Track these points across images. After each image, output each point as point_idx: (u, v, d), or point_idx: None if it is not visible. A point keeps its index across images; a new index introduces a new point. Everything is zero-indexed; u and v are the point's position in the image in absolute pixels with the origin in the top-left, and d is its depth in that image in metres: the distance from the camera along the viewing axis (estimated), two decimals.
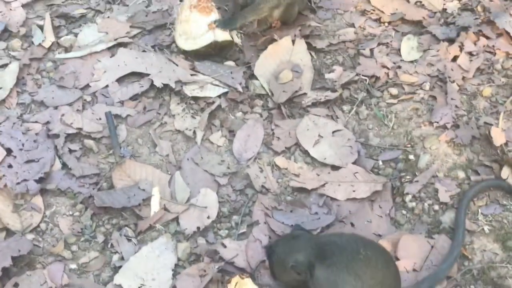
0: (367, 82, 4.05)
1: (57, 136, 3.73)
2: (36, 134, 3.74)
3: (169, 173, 3.64)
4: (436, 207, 3.51)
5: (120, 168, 3.60)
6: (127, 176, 3.59)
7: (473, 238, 3.38)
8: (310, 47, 4.23)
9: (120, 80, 4.03)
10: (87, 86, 4.02)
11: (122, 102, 3.94)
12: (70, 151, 3.69)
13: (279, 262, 3.01)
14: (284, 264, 2.94)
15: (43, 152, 3.64)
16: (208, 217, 3.44)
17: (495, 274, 3.26)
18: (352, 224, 3.41)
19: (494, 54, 4.20)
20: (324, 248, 2.94)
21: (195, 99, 3.94)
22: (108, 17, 4.46)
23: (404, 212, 3.50)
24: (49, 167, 3.57)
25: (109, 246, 3.36)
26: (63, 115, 3.82)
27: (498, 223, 3.44)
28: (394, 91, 4.01)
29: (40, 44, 4.24)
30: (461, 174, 3.63)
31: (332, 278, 2.87)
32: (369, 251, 2.91)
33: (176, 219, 3.45)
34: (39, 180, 3.52)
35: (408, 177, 3.62)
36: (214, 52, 4.13)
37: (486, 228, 3.42)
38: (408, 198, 3.53)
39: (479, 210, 3.48)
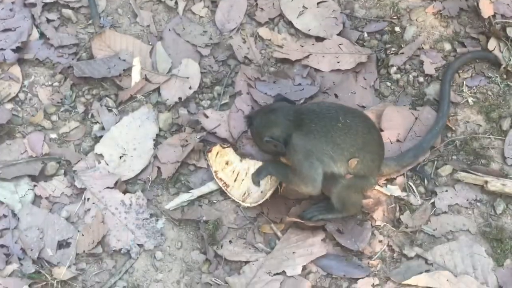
0: None
1: (33, 5, 3.60)
2: (12, 2, 3.61)
3: (150, 43, 3.56)
4: (421, 79, 3.48)
5: (100, 38, 3.51)
6: (107, 46, 3.50)
7: (457, 109, 3.37)
8: None
9: None
10: None
11: None
12: (48, 20, 3.58)
13: (256, 134, 3.00)
14: (261, 137, 2.94)
15: (20, 21, 3.53)
16: (190, 88, 3.39)
17: (477, 144, 3.27)
18: (336, 95, 3.38)
19: None
20: (302, 117, 2.90)
21: None
22: None
23: (388, 84, 3.47)
24: (26, 37, 3.48)
25: (89, 116, 3.33)
26: None
27: (482, 95, 3.43)
28: None
29: None
30: (447, 46, 3.57)
31: (309, 147, 2.85)
32: (349, 118, 2.89)
33: (157, 90, 3.40)
34: (16, 50, 3.43)
35: (393, 49, 3.56)
36: None
37: (470, 99, 3.40)
38: (393, 70, 3.49)
39: (464, 82, 3.46)
